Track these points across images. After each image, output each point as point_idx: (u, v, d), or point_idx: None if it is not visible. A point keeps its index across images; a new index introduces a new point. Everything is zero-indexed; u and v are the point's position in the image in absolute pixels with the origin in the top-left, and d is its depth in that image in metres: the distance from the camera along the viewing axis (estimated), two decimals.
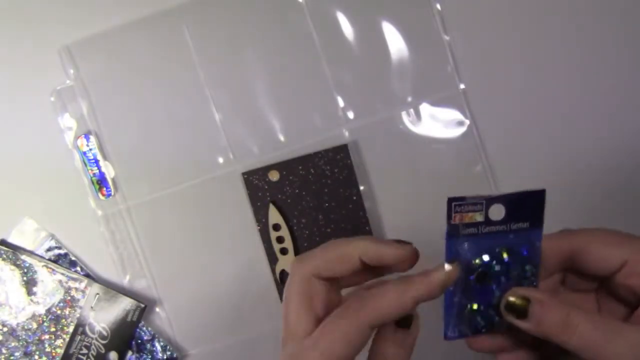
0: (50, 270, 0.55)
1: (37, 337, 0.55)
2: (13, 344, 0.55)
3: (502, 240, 0.34)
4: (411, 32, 0.55)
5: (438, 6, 0.55)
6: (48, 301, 0.55)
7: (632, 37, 0.55)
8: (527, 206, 0.34)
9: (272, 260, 0.56)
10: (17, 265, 0.55)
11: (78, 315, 0.55)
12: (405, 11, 0.55)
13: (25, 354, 0.55)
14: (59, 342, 0.55)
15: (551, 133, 0.55)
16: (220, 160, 0.56)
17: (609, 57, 0.55)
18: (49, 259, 0.56)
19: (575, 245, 0.34)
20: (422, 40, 0.55)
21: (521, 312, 0.33)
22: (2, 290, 0.55)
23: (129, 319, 0.56)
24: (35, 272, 0.55)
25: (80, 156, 0.56)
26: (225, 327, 0.57)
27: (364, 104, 0.55)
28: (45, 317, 0.55)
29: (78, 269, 0.56)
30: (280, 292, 0.56)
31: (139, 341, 0.57)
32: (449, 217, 0.33)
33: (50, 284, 0.55)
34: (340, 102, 0.56)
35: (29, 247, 0.56)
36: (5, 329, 0.55)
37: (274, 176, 0.56)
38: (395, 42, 0.55)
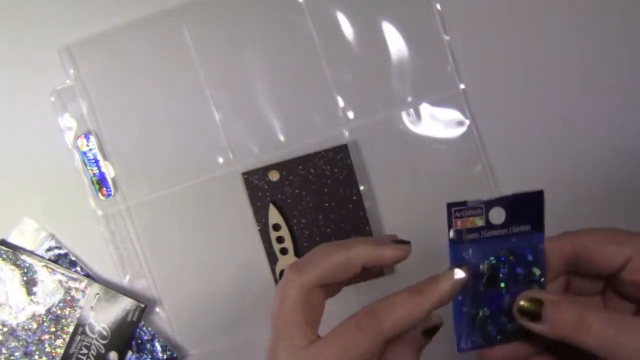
0: (50, 270, 0.55)
1: (37, 337, 0.55)
2: (13, 344, 0.55)
3: (505, 244, 0.34)
4: (411, 32, 0.55)
5: (438, 6, 0.55)
6: (48, 301, 0.55)
7: (632, 37, 0.55)
8: (526, 208, 0.34)
9: (272, 260, 0.56)
10: (17, 265, 0.55)
11: (78, 315, 0.55)
12: (405, 11, 0.55)
13: (25, 354, 0.55)
14: (59, 342, 0.55)
15: (551, 133, 0.55)
16: (220, 160, 0.56)
17: (609, 57, 0.55)
18: (49, 259, 0.56)
19: (577, 247, 0.34)
20: (422, 40, 0.55)
21: (535, 315, 0.32)
22: (2, 290, 0.55)
23: (129, 319, 0.56)
24: (35, 272, 0.55)
25: (80, 156, 0.56)
26: (225, 327, 0.57)
27: (364, 104, 0.55)
28: (45, 317, 0.55)
29: (78, 269, 0.56)
30: None
31: (139, 341, 0.57)
32: (450, 223, 0.33)
33: (50, 284, 0.55)
34: (340, 102, 0.56)
35: (29, 247, 0.56)
36: (5, 329, 0.55)
37: (274, 176, 0.56)
38: (395, 42, 0.55)
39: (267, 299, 0.56)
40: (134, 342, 0.57)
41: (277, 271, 0.56)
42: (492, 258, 0.34)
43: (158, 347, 0.57)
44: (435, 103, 0.55)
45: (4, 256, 0.55)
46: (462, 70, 0.55)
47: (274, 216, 0.55)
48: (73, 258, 0.57)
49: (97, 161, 0.56)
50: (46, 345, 0.55)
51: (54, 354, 0.55)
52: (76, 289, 0.56)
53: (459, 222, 0.33)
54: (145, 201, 0.57)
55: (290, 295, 0.32)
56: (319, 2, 0.55)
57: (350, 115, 0.56)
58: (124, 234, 0.57)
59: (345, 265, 0.33)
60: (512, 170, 0.55)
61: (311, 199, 0.56)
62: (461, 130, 0.55)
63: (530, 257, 0.34)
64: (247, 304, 0.57)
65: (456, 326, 0.34)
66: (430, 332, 0.34)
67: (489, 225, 0.34)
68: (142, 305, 0.56)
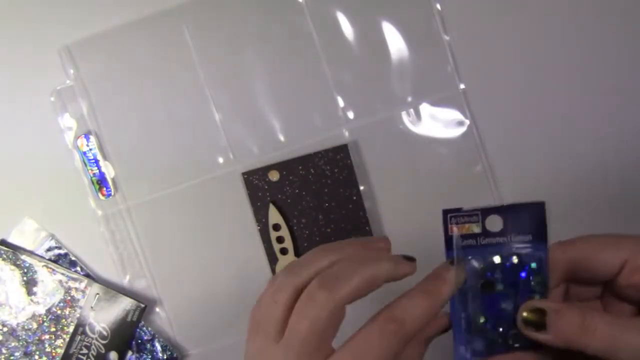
0: (50, 270, 0.55)
1: (37, 337, 0.55)
2: (13, 344, 0.55)
3: (505, 251, 0.34)
4: (411, 32, 0.55)
5: (438, 6, 0.55)
6: (48, 301, 0.55)
7: (632, 37, 0.55)
8: (526, 218, 0.34)
9: (272, 260, 0.56)
10: (17, 265, 0.55)
11: (78, 315, 0.55)
12: (405, 11, 0.55)
13: (25, 354, 0.55)
14: (59, 342, 0.55)
15: (551, 133, 0.55)
16: (220, 160, 0.56)
17: (609, 57, 0.55)
18: (49, 259, 0.56)
19: (573, 255, 0.34)
20: (422, 40, 0.55)
21: (539, 324, 0.33)
22: (2, 290, 0.55)
23: (129, 319, 0.56)
24: (35, 272, 0.55)
25: (80, 156, 0.56)
26: (225, 327, 0.57)
27: (364, 104, 0.55)
28: (45, 317, 0.55)
29: (78, 269, 0.56)
30: None
31: (139, 341, 0.57)
32: (446, 228, 0.33)
33: (50, 284, 0.55)
34: (340, 102, 0.56)
35: (29, 247, 0.56)
36: (5, 329, 0.55)
37: (274, 176, 0.56)
38: (395, 42, 0.55)
39: None
40: (134, 342, 0.57)
41: (277, 271, 0.56)
42: (489, 261, 0.34)
43: (158, 347, 0.57)
44: (435, 103, 0.55)
45: (4, 256, 0.55)
46: (462, 70, 0.55)
47: (274, 216, 0.55)
48: (73, 258, 0.57)
49: (97, 161, 0.56)
50: (46, 345, 0.55)
51: (54, 354, 0.55)
52: (76, 289, 0.56)
53: (454, 228, 0.33)
54: (145, 201, 0.57)
55: (319, 316, 0.31)
56: (319, 2, 0.55)
57: (350, 115, 0.56)
58: (124, 234, 0.57)
59: (372, 282, 0.32)
60: (512, 170, 0.55)
61: (311, 199, 0.56)
62: (461, 130, 0.55)
63: (532, 266, 0.34)
64: (247, 304, 0.57)
65: (455, 333, 0.34)
66: (442, 333, 0.34)
67: (485, 233, 0.34)
68: (142, 305, 0.56)
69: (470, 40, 0.55)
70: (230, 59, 0.56)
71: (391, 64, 0.55)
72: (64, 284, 0.55)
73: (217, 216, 0.56)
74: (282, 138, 0.56)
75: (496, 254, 0.34)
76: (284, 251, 0.56)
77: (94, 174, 0.56)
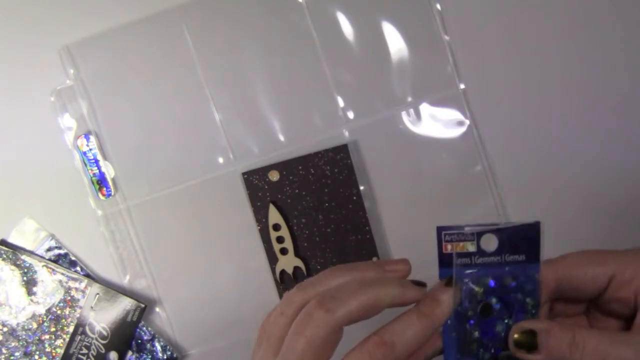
0: (50, 270, 0.55)
1: (37, 337, 0.55)
2: (13, 344, 0.55)
3: (498, 272, 0.34)
4: (411, 32, 0.55)
5: (438, 6, 0.55)
6: (48, 301, 0.55)
7: (632, 37, 0.55)
8: (521, 238, 0.34)
9: (272, 260, 0.56)
10: (17, 265, 0.55)
11: (78, 315, 0.55)
12: (405, 11, 0.55)
13: (25, 354, 0.55)
14: (59, 342, 0.55)
15: (551, 133, 0.55)
16: (220, 160, 0.56)
17: (609, 57, 0.55)
18: (49, 259, 0.56)
19: (561, 274, 0.34)
20: (422, 40, 0.55)
21: (530, 345, 0.33)
22: (2, 290, 0.55)
23: (129, 319, 0.56)
24: (35, 272, 0.55)
25: (80, 156, 0.56)
26: (225, 327, 0.57)
27: (364, 104, 0.55)
28: (45, 317, 0.55)
29: (78, 269, 0.56)
30: (280, 292, 0.56)
31: (139, 341, 0.57)
32: (440, 246, 0.33)
33: (50, 284, 0.55)
34: (340, 102, 0.56)
35: (29, 247, 0.56)
36: (5, 329, 0.55)
37: (274, 176, 0.56)
38: (395, 42, 0.55)
39: (267, 299, 0.56)
40: (134, 342, 0.57)
41: (277, 271, 0.56)
42: (485, 283, 0.34)
43: (158, 347, 0.57)
44: (435, 103, 0.55)
45: (4, 256, 0.55)
46: (462, 70, 0.55)
47: (274, 216, 0.55)
48: (73, 258, 0.57)
49: (97, 161, 0.56)
50: (46, 345, 0.55)
51: (54, 354, 0.55)
52: (76, 289, 0.56)
53: (449, 246, 0.33)
54: (145, 201, 0.57)
55: (316, 335, 0.31)
56: (319, 2, 0.55)
57: (350, 115, 0.56)
58: (124, 234, 0.57)
59: (372, 306, 0.32)
60: (512, 171, 0.55)
61: (311, 199, 0.56)
62: (461, 130, 0.55)
63: (526, 288, 0.34)
64: (247, 304, 0.57)
65: (446, 351, 0.34)
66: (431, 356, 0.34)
67: (480, 252, 0.33)
68: (142, 305, 0.56)
69: (470, 40, 0.55)
70: (230, 59, 0.56)
71: (391, 64, 0.55)
72: (64, 284, 0.55)
73: (217, 216, 0.56)
74: (282, 138, 0.56)
75: (491, 274, 0.34)
76: (284, 251, 0.56)
77: (94, 174, 0.56)
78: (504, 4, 0.55)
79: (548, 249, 0.34)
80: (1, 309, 0.55)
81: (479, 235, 0.33)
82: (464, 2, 0.55)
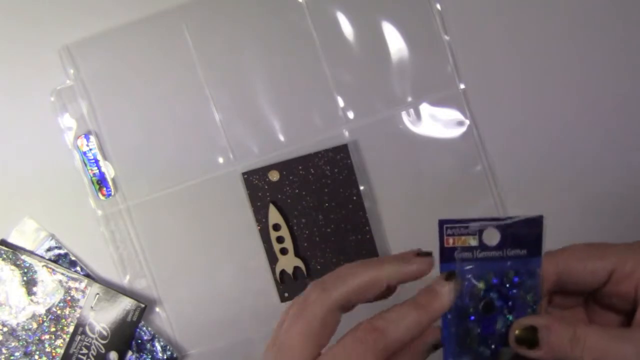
0: (50, 270, 0.55)
1: (37, 337, 0.55)
2: (13, 344, 0.55)
3: (499, 266, 0.34)
4: (411, 32, 0.55)
5: (438, 6, 0.55)
6: (48, 301, 0.55)
7: (633, 37, 0.55)
8: (524, 232, 0.33)
9: (272, 260, 0.56)
10: (17, 265, 0.55)
11: (78, 315, 0.55)
12: (405, 11, 0.55)
13: (25, 354, 0.55)
14: (59, 342, 0.55)
15: (551, 133, 0.55)
16: (220, 160, 0.56)
17: (609, 57, 0.55)
18: (49, 259, 0.56)
19: (561, 267, 0.34)
20: (422, 40, 0.55)
21: (532, 342, 0.33)
22: (2, 290, 0.55)
23: (129, 319, 0.56)
24: (35, 272, 0.55)
25: (80, 156, 0.56)
26: (225, 327, 0.57)
27: (364, 104, 0.55)
28: (45, 317, 0.55)
29: (78, 269, 0.56)
30: (280, 292, 0.56)
31: (139, 341, 0.57)
32: (441, 239, 0.33)
33: (50, 284, 0.55)
34: (340, 102, 0.56)
35: (29, 247, 0.56)
36: (5, 329, 0.55)
37: (274, 176, 0.56)
38: (395, 42, 0.55)
39: (267, 299, 0.56)
40: (134, 342, 0.57)
41: (277, 271, 0.56)
42: (487, 279, 0.34)
43: (158, 347, 0.57)
44: (435, 103, 0.55)
45: (4, 256, 0.55)
46: (462, 70, 0.55)
47: (274, 216, 0.55)
48: (73, 258, 0.57)
49: (97, 161, 0.56)
50: (46, 345, 0.55)
51: (54, 354, 0.55)
52: (76, 289, 0.56)
53: (450, 240, 0.33)
54: (145, 201, 0.57)
55: (311, 312, 0.31)
56: (319, 2, 0.55)
57: (350, 115, 0.56)
58: (124, 234, 0.57)
59: (371, 284, 0.32)
60: (512, 171, 0.55)
61: (311, 199, 0.56)
62: (461, 130, 0.55)
63: (528, 282, 0.34)
64: (247, 304, 0.57)
65: (445, 346, 0.34)
66: (438, 345, 0.34)
67: (482, 246, 0.33)
68: (142, 305, 0.56)
69: (470, 40, 0.55)
70: (230, 59, 0.56)
71: (391, 64, 0.55)
72: (64, 284, 0.55)
73: (217, 216, 0.56)
74: (282, 138, 0.56)
75: (493, 269, 0.34)
76: (284, 251, 0.56)
77: (94, 174, 0.56)
78: (504, 4, 0.55)
79: (548, 249, 0.34)
80: (1, 309, 0.55)
81: (481, 229, 0.33)
82: (464, 2, 0.55)
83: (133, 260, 0.57)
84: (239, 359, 0.58)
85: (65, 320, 0.55)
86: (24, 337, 0.55)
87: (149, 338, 0.57)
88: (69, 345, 0.55)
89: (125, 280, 0.57)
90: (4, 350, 0.55)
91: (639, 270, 0.33)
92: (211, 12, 0.55)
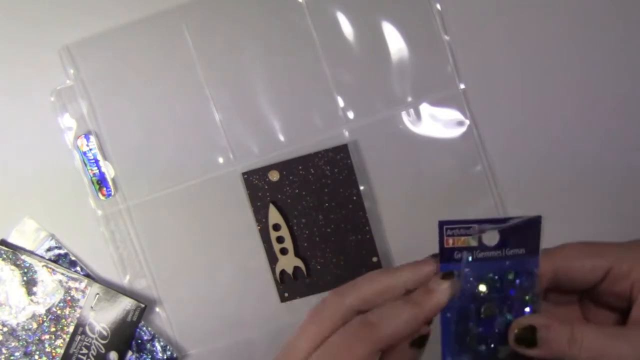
0: (50, 270, 0.55)
1: (37, 337, 0.55)
2: (13, 344, 0.55)
3: (499, 266, 0.34)
4: (411, 32, 0.55)
5: (438, 6, 0.55)
6: (48, 301, 0.55)
7: (632, 36, 0.55)
8: (523, 232, 0.34)
9: (272, 260, 0.56)
10: (17, 265, 0.55)
11: (78, 315, 0.55)
12: (405, 11, 0.55)
13: (25, 354, 0.55)
14: (59, 342, 0.55)
15: (551, 133, 0.55)
16: (220, 160, 0.56)
17: (609, 57, 0.55)
18: (49, 259, 0.56)
19: (557, 265, 0.34)
20: (422, 40, 0.55)
21: (531, 341, 0.33)
22: (2, 290, 0.55)
23: (129, 319, 0.56)
24: (35, 272, 0.55)
25: (80, 156, 0.56)
26: (225, 327, 0.57)
27: (364, 104, 0.55)
28: (45, 317, 0.55)
29: (78, 269, 0.56)
30: (280, 292, 0.56)
31: (139, 341, 0.57)
32: (441, 240, 0.33)
33: (50, 284, 0.55)
34: (340, 102, 0.56)
35: (29, 247, 0.56)
36: (5, 329, 0.55)
37: (274, 176, 0.56)
38: (395, 42, 0.55)
39: (267, 299, 0.56)
40: (134, 342, 0.57)
41: (277, 271, 0.56)
42: (486, 280, 0.34)
43: (158, 347, 0.57)
44: (435, 103, 0.55)
45: (4, 256, 0.55)
46: (462, 70, 0.55)
47: (274, 216, 0.55)
48: (73, 258, 0.57)
49: (97, 161, 0.56)
50: (46, 345, 0.55)
51: (54, 354, 0.55)
52: (76, 289, 0.56)
53: (450, 241, 0.33)
54: (145, 201, 0.57)
55: (326, 314, 0.32)
56: (319, 2, 0.55)
57: (350, 115, 0.56)
58: (124, 234, 0.57)
59: (386, 289, 0.33)
60: (512, 171, 0.55)
61: (311, 199, 0.56)
62: (461, 130, 0.55)
63: (526, 282, 0.34)
64: (247, 304, 0.57)
65: (444, 344, 0.34)
66: (419, 342, 0.34)
67: (482, 246, 0.34)
68: (142, 305, 0.56)
69: (470, 40, 0.55)
70: (230, 59, 0.56)
71: (391, 64, 0.55)
72: (64, 284, 0.55)
73: (217, 216, 0.56)
74: (282, 138, 0.56)
75: (492, 269, 0.34)
76: (284, 251, 0.56)
77: (94, 174, 0.56)
78: (504, 4, 0.55)
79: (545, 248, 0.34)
80: (1, 309, 0.55)
81: (481, 230, 0.33)
82: (464, 2, 0.55)
83: (133, 260, 0.57)
84: (239, 359, 0.58)
85: (65, 320, 0.55)
86: (24, 337, 0.55)
87: (149, 338, 0.57)
88: (69, 345, 0.55)
89: (125, 280, 0.57)
90: (4, 350, 0.55)
91: (635, 269, 0.33)
92: (211, 12, 0.55)
